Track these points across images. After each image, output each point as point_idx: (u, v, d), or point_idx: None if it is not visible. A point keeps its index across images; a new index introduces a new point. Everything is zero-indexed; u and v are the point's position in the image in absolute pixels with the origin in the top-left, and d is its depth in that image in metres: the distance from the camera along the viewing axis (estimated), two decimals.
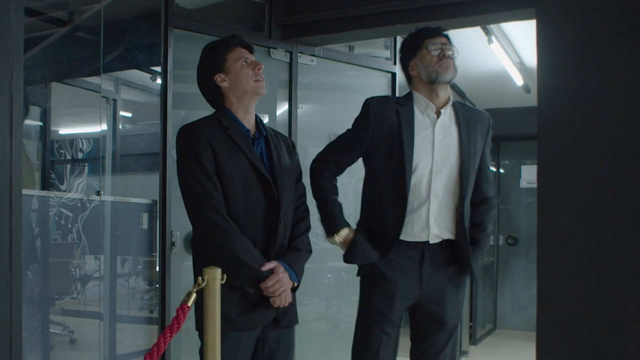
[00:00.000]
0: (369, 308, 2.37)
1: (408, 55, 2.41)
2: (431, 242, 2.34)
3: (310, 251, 2.30)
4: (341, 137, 2.50)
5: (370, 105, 2.41)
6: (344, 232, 2.40)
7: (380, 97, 2.48)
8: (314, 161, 2.50)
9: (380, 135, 2.35)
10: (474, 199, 2.43)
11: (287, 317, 2.24)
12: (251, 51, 2.27)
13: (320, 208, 2.45)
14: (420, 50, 2.37)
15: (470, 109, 2.47)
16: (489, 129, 2.47)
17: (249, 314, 2.14)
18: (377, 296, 2.35)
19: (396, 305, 2.33)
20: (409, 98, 2.41)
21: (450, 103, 2.40)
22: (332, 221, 2.42)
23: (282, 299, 2.14)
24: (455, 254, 2.37)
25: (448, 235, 2.36)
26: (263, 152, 2.24)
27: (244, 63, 2.21)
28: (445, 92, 2.39)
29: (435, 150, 2.33)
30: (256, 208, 2.16)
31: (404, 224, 2.31)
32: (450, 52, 2.36)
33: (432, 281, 2.34)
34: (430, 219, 2.32)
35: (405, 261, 2.33)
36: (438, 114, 2.37)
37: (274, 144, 2.27)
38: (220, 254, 2.10)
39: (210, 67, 2.22)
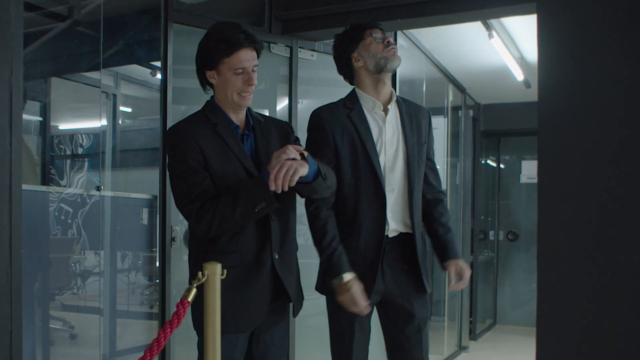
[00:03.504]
0: (339, 306, 2.30)
1: (349, 47, 2.38)
2: (390, 235, 2.36)
3: (324, 175, 2.13)
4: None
5: (321, 114, 2.38)
6: (347, 277, 2.25)
7: (327, 106, 2.43)
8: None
9: (341, 143, 2.34)
10: (426, 193, 2.48)
11: (299, 306, 2.25)
12: (257, 48, 2.15)
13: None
14: (363, 40, 2.37)
15: (411, 103, 2.51)
16: (430, 123, 2.51)
17: (245, 314, 2.14)
18: None
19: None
20: (354, 99, 2.41)
21: (395, 99, 2.42)
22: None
23: (286, 163, 1.98)
24: (411, 248, 2.38)
25: (405, 228, 2.38)
26: (253, 148, 2.20)
27: (237, 73, 2.11)
28: (389, 84, 2.41)
29: (386, 146, 2.36)
30: None
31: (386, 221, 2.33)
32: (393, 41, 2.39)
33: (393, 276, 2.36)
34: (388, 214, 2.34)
35: (367, 255, 2.35)
36: (385, 110, 2.39)
37: (263, 136, 2.22)
38: (222, 216, 2.04)
39: (203, 61, 2.15)
